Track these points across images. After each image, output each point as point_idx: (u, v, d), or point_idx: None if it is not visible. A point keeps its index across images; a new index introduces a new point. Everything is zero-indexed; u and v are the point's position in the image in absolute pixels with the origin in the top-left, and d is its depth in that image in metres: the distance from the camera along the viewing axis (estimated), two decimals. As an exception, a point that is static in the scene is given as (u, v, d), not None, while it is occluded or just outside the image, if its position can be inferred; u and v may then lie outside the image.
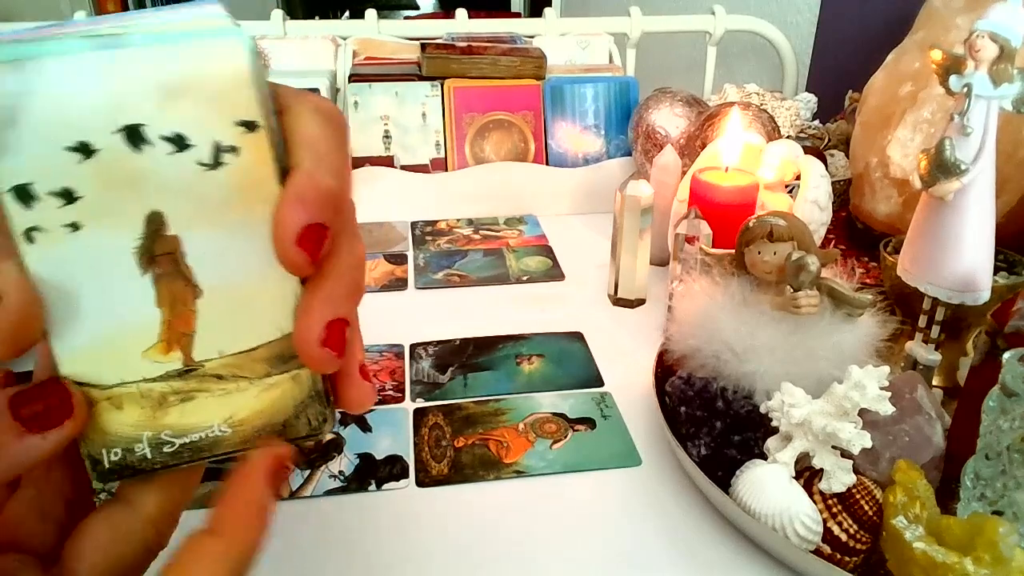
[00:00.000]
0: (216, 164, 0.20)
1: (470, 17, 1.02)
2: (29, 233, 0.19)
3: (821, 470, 0.38)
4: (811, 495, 0.38)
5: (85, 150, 0.19)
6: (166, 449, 0.21)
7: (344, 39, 0.90)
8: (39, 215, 0.19)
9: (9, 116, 0.18)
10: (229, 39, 0.19)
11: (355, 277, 0.22)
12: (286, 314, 0.22)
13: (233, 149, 0.20)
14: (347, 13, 3.36)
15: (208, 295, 0.21)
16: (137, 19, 0.19)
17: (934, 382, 0.50)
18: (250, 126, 0.20)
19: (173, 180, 0.20)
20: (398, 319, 0.62)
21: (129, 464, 0.21)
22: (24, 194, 0.18)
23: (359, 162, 0.82)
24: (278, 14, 0.97)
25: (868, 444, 0.36)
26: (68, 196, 0.19)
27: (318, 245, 0.20)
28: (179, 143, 0.19)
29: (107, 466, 0.21)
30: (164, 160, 0.19)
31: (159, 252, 0.20)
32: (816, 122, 0.96)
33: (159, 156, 0.19)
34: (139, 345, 0.21)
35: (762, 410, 0.40)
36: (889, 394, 0.37)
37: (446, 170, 0.84)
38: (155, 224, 0.20)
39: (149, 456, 0.21)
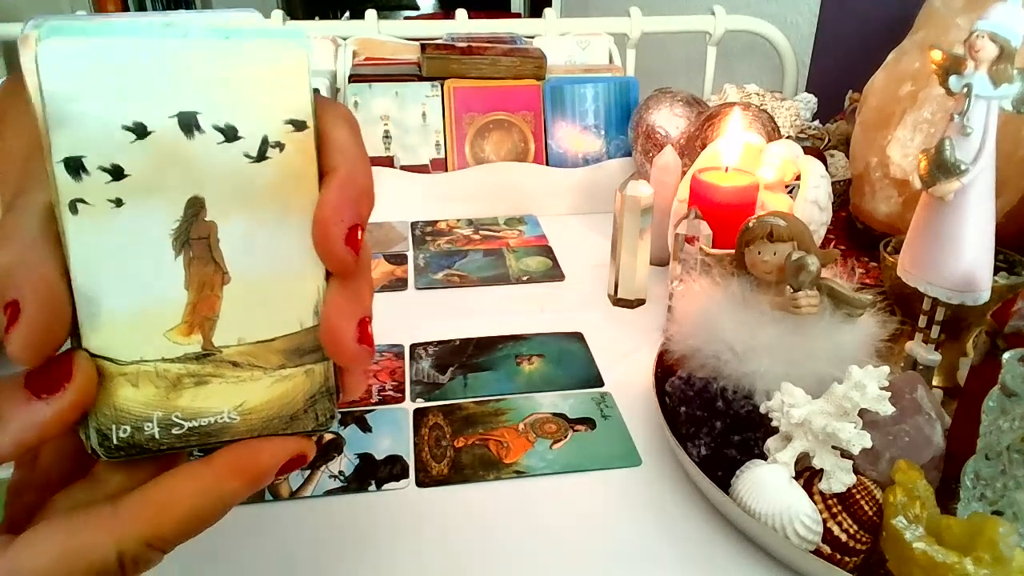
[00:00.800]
0: (262, 158, 0.21)
1: (470, 17, 1.02)
2: (74, 204, 0.19)
3: (821, 470, 0.38)
4: (811, 495, 0.38)
5: (140, 130, 0.19)
6: (174, 431, 0.22)
7: (344, 39, 0.90)
8: (86, 188, 0.19)
9: (74, 90, 0.19)
10: (291, 41, 0.20)
11: (370, 275, 0.23)
12: (308, 309, 0.22)
13: (280, 145, 0.21)
14: (347, 13, 3.36)
15: (235, 282, 0.21)
16: (187, 17, 0.20)
17: (934, 382, 0.50)
18: (299, 125, 0.21)
19: (219, 168, 0.20)
20: (398, 319, 0.62)
21: (137, 443, 0.21)
22: (75, 166, 0.19)
23: (359, 162, 0.82)
24: (278, 14, 0.97)
25: (868, 444, 0.36)
26: (117, 173, 0.19)
27: (358, 243, 0.21)
28: (230, 134, 0.20)
29: (115, 442, 0.21)
30: (213, 148, 0.20)
31: (194, 236, 0.21)
32: (816, 122, 0.96)
33: (209, 144, 0.20)
34: (162, 325, 0.21)
35: (762, 410, 0.40)
36: (889, 394, 0.37)
37: (446, 170, 0.84)
38: (195, 209, 0.20)
39: (157, 436, 0.22)
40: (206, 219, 0.21)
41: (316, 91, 0.21)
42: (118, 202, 0.20)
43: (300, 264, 0.22)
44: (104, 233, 0.20)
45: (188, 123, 0.20)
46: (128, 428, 0.21)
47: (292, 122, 0.21)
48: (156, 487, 0.21)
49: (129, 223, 0.20)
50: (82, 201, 0.19)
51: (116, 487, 0.22)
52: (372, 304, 0.23)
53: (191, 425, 0.22)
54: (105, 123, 0.19)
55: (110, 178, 0.19)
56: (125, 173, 0.19)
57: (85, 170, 0.19)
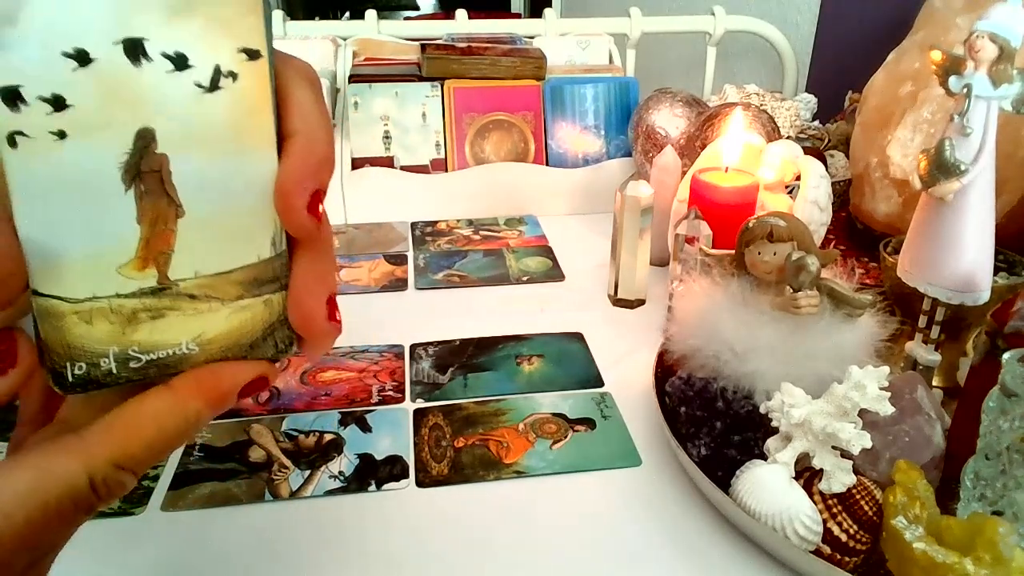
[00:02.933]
0: (214, 88, 0.20)
1: (470, 17, 1.02)
2: (12, 137, 0.18)
3: (821, 470, 0.38)
4: (811, 495, 0.38)
5: (82, 58, 0.18)
6: (132, 364, 0.21)
7: (344, 39, 0.90)
8: (25, 119, 0.18)
9: (10, 14, 0.18)
10: None
11: (332, 248, 0.23)
12: (265, 241, 0.22)
13: (233, 75, 0.20)
14: (347, 14, 3.36)
15: (190, 216, 0.21)
16: None
17: (934, 382, 0.50)
18: (252, 54, 0.20)
19: (168, 99, 0.19)
20: (398, 319, 0.62)
21: (93, 378, 0.21)
22: (12, 96, 0.18)
23: (359, 162, 0.82)
24: (278, 14, 0.97)
25: (868, 444, 0.36)
26: (58, 103, 0.18)
27: (318, 208, 0.21)
28: (179, 62, 0.19)
29: (70, 380, 0.21)
30: (162, 78, 0.19)
31: (145, 169, 0.20)
32: (816, 122, 0.96)
33: (157, 73, 0.19)
34: (114, 261, 0.20)
35: (762, 410, 0.40)
36: (889, 394, 0.37)
37: (446, 170, 0.84)
38: (144, 141, 0.19)
39: (115, 371, 0.21)
40: (157, 151, 0.20)
41: (269, 24, 0.20)
42: (61, 134, 0.19)
43: (256, 196, 0.21)
44: (47, 167, 0.19)
45: (134, 50, 0.19)
46: (83, 365, 0.21)
47: (245, 51, 0.20)
48: (120, 411, 0.21)
49: (74, 156, 0.19)
50: (21, 134, 0.18)
51: (82, 424, 0.22)
52: (336, 279, 0.23)
53: (149, 358, 0.21)
54: (44, 50, 0.18)
55: (51, 109, 0.18)
56: (67, 104, 0.18)
57: (23, 100, 0.18)
